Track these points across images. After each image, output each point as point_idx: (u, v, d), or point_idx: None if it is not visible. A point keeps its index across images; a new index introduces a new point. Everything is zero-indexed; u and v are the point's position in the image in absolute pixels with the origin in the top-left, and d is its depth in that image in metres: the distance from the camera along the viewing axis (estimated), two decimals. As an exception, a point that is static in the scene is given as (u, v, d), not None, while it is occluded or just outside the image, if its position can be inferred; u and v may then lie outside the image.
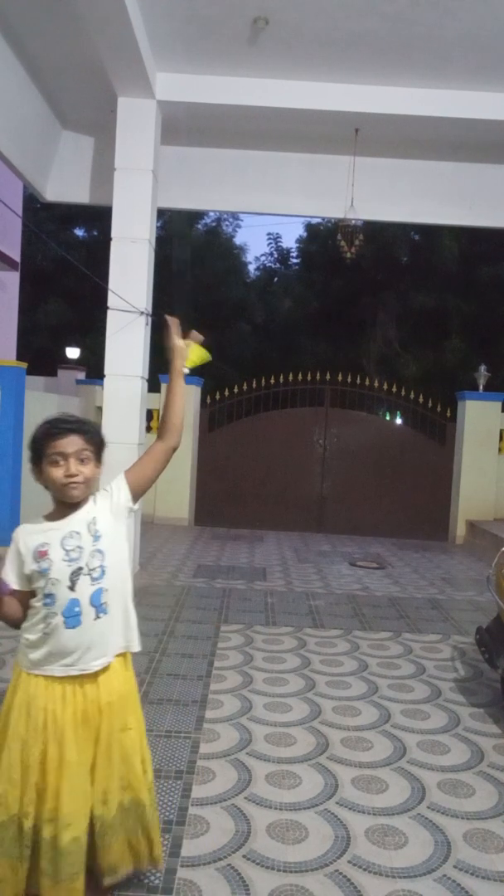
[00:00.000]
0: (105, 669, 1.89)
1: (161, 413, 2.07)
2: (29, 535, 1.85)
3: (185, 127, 6.70)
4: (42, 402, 7.97)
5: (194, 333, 2.12)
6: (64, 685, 1.84)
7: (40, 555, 1.82)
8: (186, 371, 2.06)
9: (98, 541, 1.86)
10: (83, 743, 1.85)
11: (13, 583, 1.85)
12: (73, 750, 1.82)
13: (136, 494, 2.00)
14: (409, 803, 2.77)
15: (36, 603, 1.86)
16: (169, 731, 3.29)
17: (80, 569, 1.83)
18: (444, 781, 2.96)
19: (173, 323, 2.08)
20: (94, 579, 1.84)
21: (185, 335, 2.13)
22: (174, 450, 2.03)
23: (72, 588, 1.82)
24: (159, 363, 8.59)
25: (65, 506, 1.88)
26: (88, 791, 1.87)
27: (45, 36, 5.61)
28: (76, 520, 1.87)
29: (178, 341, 2.07)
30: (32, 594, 1.87)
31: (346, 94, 6.32)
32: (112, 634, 1.90)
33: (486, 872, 2.35)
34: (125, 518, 1.97)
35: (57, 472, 1.82)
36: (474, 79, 6.13)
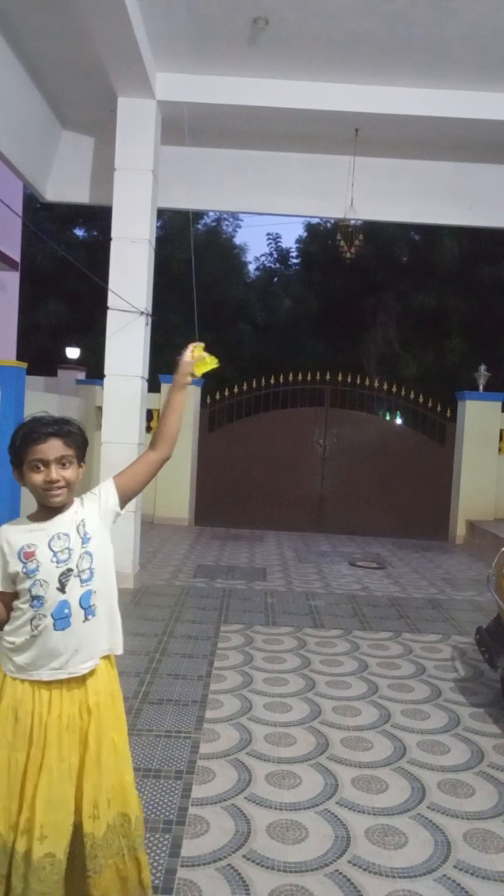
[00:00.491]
0: (92, 672, 1.86)
1: (158, 422, 2.05)
2: (13, 535, 1.81)
3: (186, 126, 6.70)
4: (42, 402, 7.96)
5: (196, 345, 2.10)
6: (51, 689, 1.79)
7: (27, 556, 1.78)
8: (188, 382, 2.05)
9: (87, 543, 1.84)
10: (67, 749, 1.78)
11: None
12: (53, 755, 1.76)
13: (124, 500, 1.97)
14: (409, 803, 2.77)
15: (21, 605, 1.80)
16: (169, 731, 3.29)
17: (70, 570, 1.80)
18: (444, 781, 2.96)
19: (191, 347, 2.07)
20: (83, 581, 1.82)
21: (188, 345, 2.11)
22: (166, 461, 2.01)
23: (61, 590, 1.78)
24: (159, 363, 8.62)
25: (46, 510, 1.85)
26: (70, 803, 1.78)
27: (45, 36, 5.61)
28: (63, 521, 1.84)
29: (186, 356, 2.06)
30: (15, 596, 1.82)
31: (346, 94, 6.32)
32: (99, 636, 1.87)
33: (486, 872, 2.36)
34: (111, 522, 1.96)
35: (38, 478, 1.78)
36: (474, 79, 6.13)
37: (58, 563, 1.80)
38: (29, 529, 1.83)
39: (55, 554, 1.80)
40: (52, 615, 1.78)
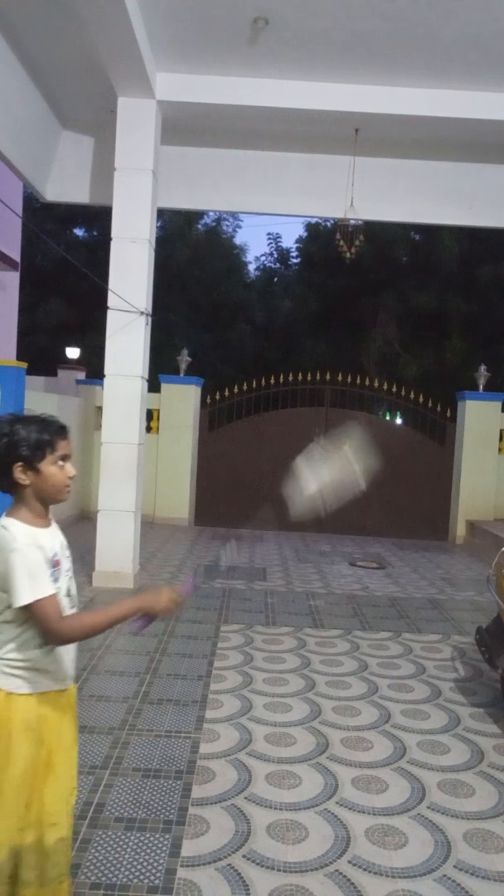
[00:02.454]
0: None
1: (90, 617, 1.74)
2: (43, 540, 1.72)
3: (186, 126, 6.70)
4: (42, 402, 7.96)
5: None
6: (59, 697, 1.78)
7: (55, 563, 1.72)
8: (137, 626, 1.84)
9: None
10: (69, 749, 1.81)
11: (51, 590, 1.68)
12: (63, 754, 1.78)
13: None
14: (409, 803, 2.77)
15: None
16: (169, 731, 3.29)
17: (71, 577, 1.81)
18: (444, 781, 2.96)
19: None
20: (70, 586, 1.82)
21: None
22: (45, 634, 1.70)
23: (68, 595, 1.78)
24: (159, 363, 8.62)
25: (45, 511, 1.77)
26: (73, 794, 1.83)
27: (45, 36, 5.61)
28: (56, 526, 1.82)
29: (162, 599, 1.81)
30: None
31: (346, 94, 6.31)
32: None
33: (486, 872, 2.35)
34: None
35: (62, 474, 1.73)
36: (474, 79, 6.12)
37: (68, 570, 1.80)
38: (49, 535, 1.75)
39: (69, 560, 1.80)
40: None
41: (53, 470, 1.71)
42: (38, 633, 1.69)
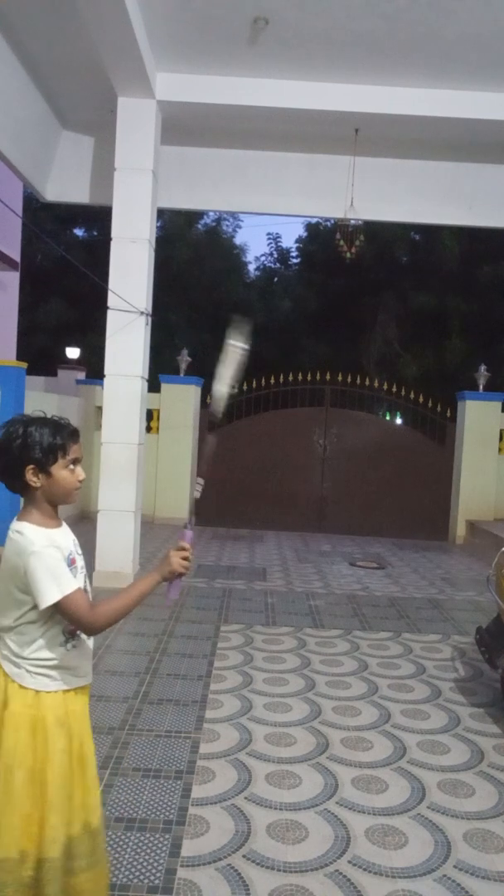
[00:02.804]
0: None
1: (116, 601, 1.76)
2: (59, 539, 1.74)
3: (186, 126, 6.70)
4: (42, 402, 7.97)
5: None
6: (82, 691, 1.82)
7: (71, 562, 1.75)
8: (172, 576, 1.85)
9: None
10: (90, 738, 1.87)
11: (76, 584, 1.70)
12: (89, 744, 1.83)
13: None
14: (409, 803, 2.77)
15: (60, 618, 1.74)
16: (169, 731, 3.29)
17: (85, 574, 1.83)
18: (444, 781, 2.96)
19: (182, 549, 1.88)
20: (85, 583, 1.83)
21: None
22: (79, 627, 1.75)
23: (84, 591, 1.78)
24: (159, 363, 8.62)
25: (55, 512, 1.78)
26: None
27: (45, 36, 5.61)
28: (66, 526, 1.84)
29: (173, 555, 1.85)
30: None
31: (346, 94, 6.31)
32: None
33: (486, 872, 2.35)
34: None
35: (72, 477, 1.75)
36: (474, 79, 6.12)
37: (81, 568, 1.82)
38: (62, 534, 1.77)
39: (82, 558, 1.82)
40: None
41: (65, 474, 1.73)
42: (65, 628, 1.73)
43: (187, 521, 1.97)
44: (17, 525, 1.72)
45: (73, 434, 1.75)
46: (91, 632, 1.76)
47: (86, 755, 1.80)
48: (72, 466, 1.75)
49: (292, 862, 2.36)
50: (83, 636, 1.80)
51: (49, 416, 1.78)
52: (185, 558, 1.84)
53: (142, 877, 2.23)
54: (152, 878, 2.23)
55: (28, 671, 1.72)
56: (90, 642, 1.84)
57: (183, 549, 1.85)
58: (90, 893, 1.79)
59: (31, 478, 1.70)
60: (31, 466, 1.70)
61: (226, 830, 2.52)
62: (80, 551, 1.83)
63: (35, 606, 1.66)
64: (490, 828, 2.63)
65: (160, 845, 2.41)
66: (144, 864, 2.30)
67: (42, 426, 1.71)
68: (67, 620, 1.71)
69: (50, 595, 1.63)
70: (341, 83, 6.30)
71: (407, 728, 3.48)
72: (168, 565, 1.83)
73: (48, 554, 1.66)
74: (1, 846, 1.67)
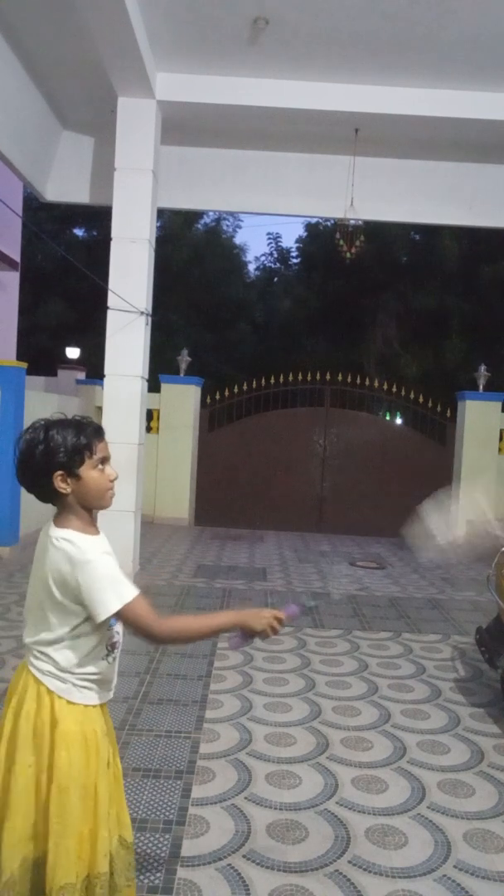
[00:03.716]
0: None
1: (190, 620, 1.70)
2: (109, 547, 1.66)
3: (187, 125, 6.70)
4: (42, 402, 7.97)
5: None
6: (106, 707, 1.77)
7: None
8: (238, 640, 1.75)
9: None
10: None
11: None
12: (118, 756, 1.80)
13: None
14: (409, 803, 2.77)
15: (107, 629, 1.68)
16: (169, 731, 3.29)
17: None
18: (444, 781, 2.96)
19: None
20: None
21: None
22: (148, 639, 1.66)
23: None
24: (159, 363, 8.61)
25: (92, 517, 1.68)
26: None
27: (45, 36, 5.61)
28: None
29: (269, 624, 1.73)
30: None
31: (346, 94, 6.32)
32: None
33: (486, 872, 2.35)
34: None
35: (103, 477, 1.65)
36: (474, 79, 6.12)
37: None
38: (104, 541, 1.68)
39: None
40: (121, 634, 1.73)
41: (94, 474, 1.63)
42: (108, 641, 1.67)
43: (303, 603, 1.83)
44: (59, 532, 1.60)
45: (98, 431, 1.65)
46: (157, 641, 1.64)
47: (119, 769, 1.78)
48: (101, 466, 1.64)
49: (292, 862, 2.36)
50: (118, 651, 1.72)
51: (69, 416, 1.67)
52: (274, 627, 1.71)
53: (142, 877, 2.23)
54: (152, 878, 2.23)
55: (75, 685, 1.64)
56: (117, 665, 1.77)
57: (280, 619, 1.72)
58: None
59: (61, 484, 1.59)
60: (59, 473, 1.59)
61: (226, 830, 2.52)
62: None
63: (88, 618, 1.57)
64: (490, 828, 2.63)
65: (160, 845, 2.41)
66: (144, 863, 2.30)
67: (63, 428, 1.60)
68: (131, 629, 1.60)
69: (111, 605, 1.54)
70: (341, 83, 6.30)
71: (407, 728, 3.48)
72: (257, 620, 1.69)
73: (104, 562, 1.57)
74: (62, 872, 1.59)
